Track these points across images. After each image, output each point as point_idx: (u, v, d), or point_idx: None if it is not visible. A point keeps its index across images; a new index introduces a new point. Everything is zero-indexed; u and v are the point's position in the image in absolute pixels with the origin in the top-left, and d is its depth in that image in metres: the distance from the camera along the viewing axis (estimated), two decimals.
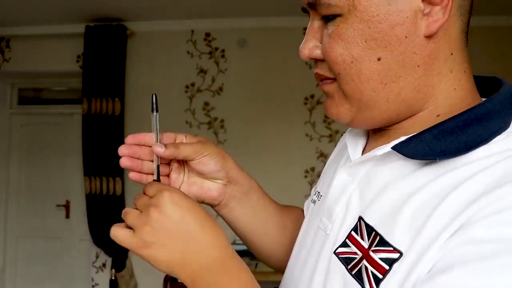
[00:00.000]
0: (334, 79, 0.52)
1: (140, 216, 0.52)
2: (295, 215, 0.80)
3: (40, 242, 3.53)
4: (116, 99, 3.06)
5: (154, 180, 0.61)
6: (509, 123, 0.48)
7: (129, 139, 0.64)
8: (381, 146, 0.52)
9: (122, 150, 0.63)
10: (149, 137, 0.63)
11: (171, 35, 3.17)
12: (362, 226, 0.50)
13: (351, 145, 0.61)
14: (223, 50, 3.15)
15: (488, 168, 0.43)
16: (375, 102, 0.51)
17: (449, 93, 0.51)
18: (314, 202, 0.67)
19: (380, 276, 0.45)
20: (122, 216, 0.55)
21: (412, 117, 0.52)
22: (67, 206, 3.49)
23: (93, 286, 3.24)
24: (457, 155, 0.46)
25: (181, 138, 0.66)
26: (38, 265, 3.52)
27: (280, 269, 0.76)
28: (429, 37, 0.48)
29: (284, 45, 3.05)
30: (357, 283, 0.47)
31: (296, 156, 3.08)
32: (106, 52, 3.04)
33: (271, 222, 0.76)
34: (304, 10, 0.56)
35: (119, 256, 3.09)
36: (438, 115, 0.51)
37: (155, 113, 0.61)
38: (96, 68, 3.06)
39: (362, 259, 0.48)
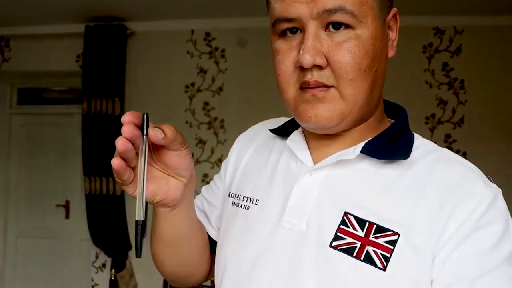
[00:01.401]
0: (331, 86, 0.59)
1: None
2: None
3: (40, 242, 3.52)
4: (116, 99, 3.05)
5: (141, 221, 0.54)
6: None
7: (130, 117, 0.56)
8: (347, 150, 0.63)
9: (127, 129, 0.55)
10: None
11: (171, 35, 3.17)
12: (351, 220, 0.59)
13: (299, 152, 0.68)
14: (223, 50, 3.15)
15: (435, 163, 0.60)
16: (364, 105, 0.61)
17: (381, 103, 0.67)
18: (246, 207, 0.70)
19: (388, 255, 0.56)
20: None
21: (365, 122, 0.64)
22: (67, 206, 3.49)
23: (93, 286, 3.24)
24: (409, 155, 0.61)
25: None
26: (38, 265, 3.51)
27: (202, 281, 0.82)
28: (388, 58, 0.64)
29: None
30: (369, 265, 0.56)
31: None
32: (106, 52, 3.04)
33: (198, 223, 0.77)
34: (283, 21, 0.64)
35: (119, 256, 3.08)
36: (378, 121, 0.66)
37: (145, 136, 0.55)
38: (96, 68, 3.05)
39: (365, 246, 0.57)
